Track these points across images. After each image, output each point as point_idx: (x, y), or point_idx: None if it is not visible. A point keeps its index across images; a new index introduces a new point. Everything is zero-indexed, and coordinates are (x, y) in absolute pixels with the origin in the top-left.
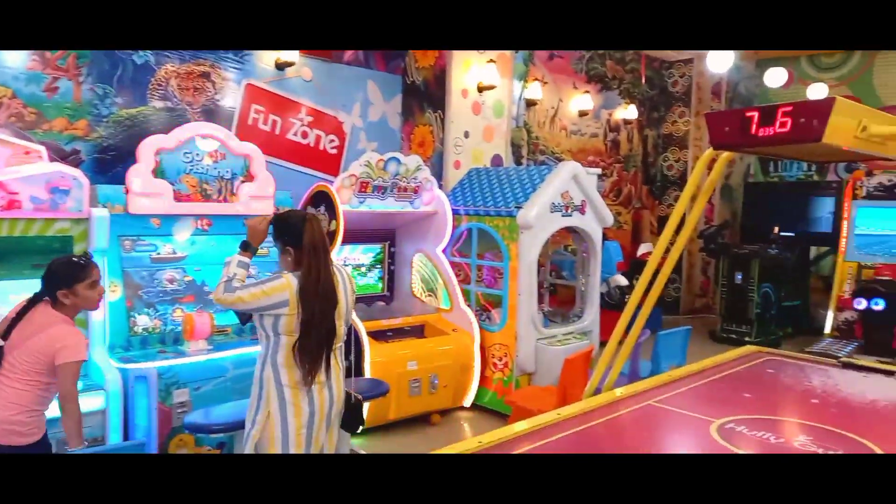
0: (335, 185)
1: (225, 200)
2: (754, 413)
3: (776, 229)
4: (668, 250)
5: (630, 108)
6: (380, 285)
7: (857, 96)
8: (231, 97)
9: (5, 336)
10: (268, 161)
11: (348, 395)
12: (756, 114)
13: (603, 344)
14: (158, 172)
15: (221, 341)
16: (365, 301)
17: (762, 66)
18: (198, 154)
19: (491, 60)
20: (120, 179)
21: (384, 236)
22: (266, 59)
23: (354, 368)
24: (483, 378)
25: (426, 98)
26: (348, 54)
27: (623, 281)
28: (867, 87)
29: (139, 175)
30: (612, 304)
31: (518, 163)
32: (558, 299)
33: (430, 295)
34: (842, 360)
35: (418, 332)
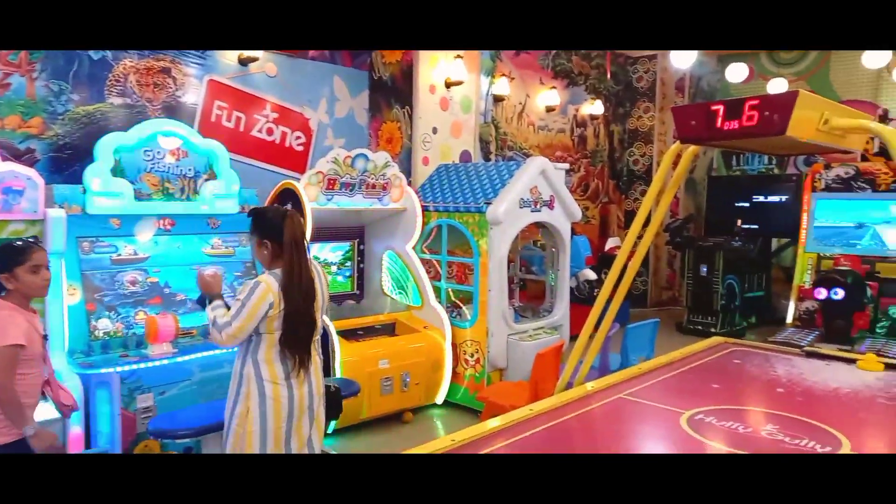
0: (302, 182)
1: (188, 199)
2: (722, 403)
3: (739, 222)
4: (636, 244)
5: (596, 103)
6: (349, 284)
7: (814, 91)
8: (193, 93)
9: None
10: (232, 158)
11: (327, 387)
12: (721, 107)
13: (573, 338)
14: (117, 171)
15: (187, 344)
16: (335, 300)
17: (724, 61)
18: (159, 152)
19: (458, 56)
20: (77, 179)
21: (353, 234)
22: (229, 54)
23: (325, 368)
24: (455, 375)
25: (394, 94)
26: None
27: (592, 275)
28: (824, 82)
29: (97, 174)
30: (582, 298)
31: (487, 159)
32: (528, 294)
33: (400, 292)
34: (805, 349)
35: (389, 330)
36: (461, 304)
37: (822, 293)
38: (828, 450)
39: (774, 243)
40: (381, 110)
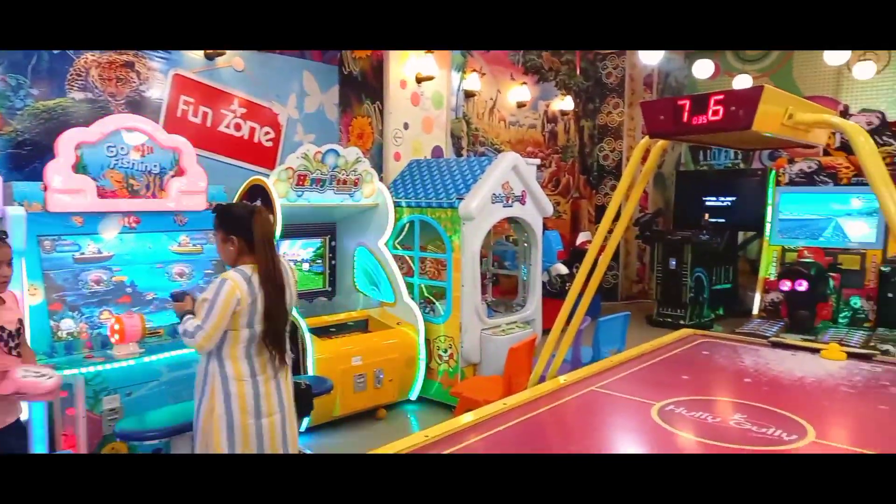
0: (271, 178)
1: (154, 196)
2: (692, 394)
3: (706, 216)
4: (606, 238)
5: (566, 99)
6: (321, 280)
7: (778, 87)
8: (158, 88)
9: None
10: (199, 155)
11: (297, 384)
12: (687, 102)
13: (546, 332)
14: (79, 168)
15: (154, 344)
16: (306, 297)
17: (691, 58)
18: (123, 148)
19: (428, 51)
20: (37, 176)
21: (324, 230)
22: None
23: (297, 366)
24: (429, 370)
25: (364, 89)
26: None
27: (563, 269)
28: (787, 79)
29: (58, 171)
30: (554, 292)
31: (458, 154)
32: (501, 289)
33: (373, 288)
34: (771, 339)
35: (362, 326)
36: (434, 300)
37: (786, 285)
38: (794, 437)
39: (741, 236)
40: (352, 105)
